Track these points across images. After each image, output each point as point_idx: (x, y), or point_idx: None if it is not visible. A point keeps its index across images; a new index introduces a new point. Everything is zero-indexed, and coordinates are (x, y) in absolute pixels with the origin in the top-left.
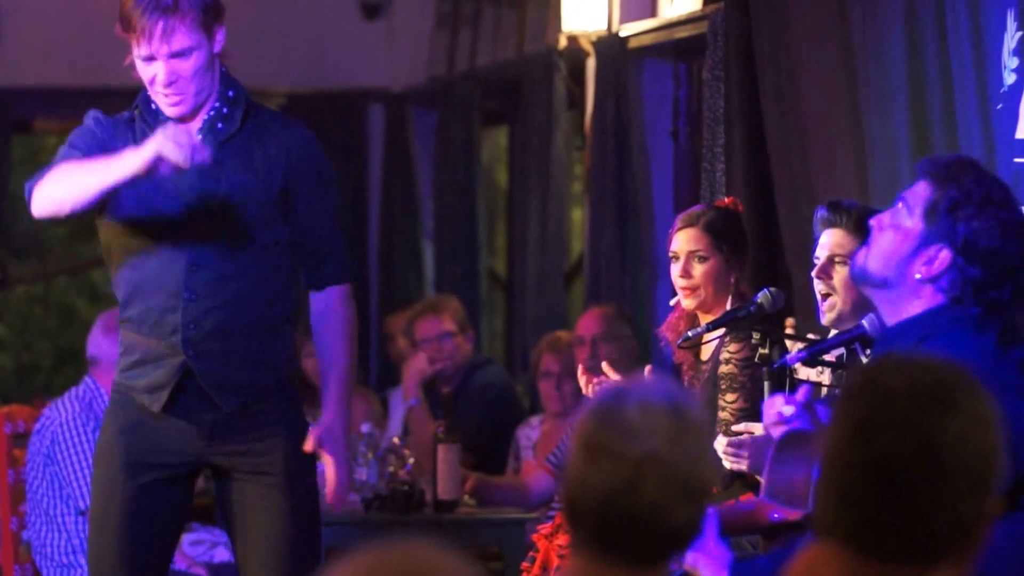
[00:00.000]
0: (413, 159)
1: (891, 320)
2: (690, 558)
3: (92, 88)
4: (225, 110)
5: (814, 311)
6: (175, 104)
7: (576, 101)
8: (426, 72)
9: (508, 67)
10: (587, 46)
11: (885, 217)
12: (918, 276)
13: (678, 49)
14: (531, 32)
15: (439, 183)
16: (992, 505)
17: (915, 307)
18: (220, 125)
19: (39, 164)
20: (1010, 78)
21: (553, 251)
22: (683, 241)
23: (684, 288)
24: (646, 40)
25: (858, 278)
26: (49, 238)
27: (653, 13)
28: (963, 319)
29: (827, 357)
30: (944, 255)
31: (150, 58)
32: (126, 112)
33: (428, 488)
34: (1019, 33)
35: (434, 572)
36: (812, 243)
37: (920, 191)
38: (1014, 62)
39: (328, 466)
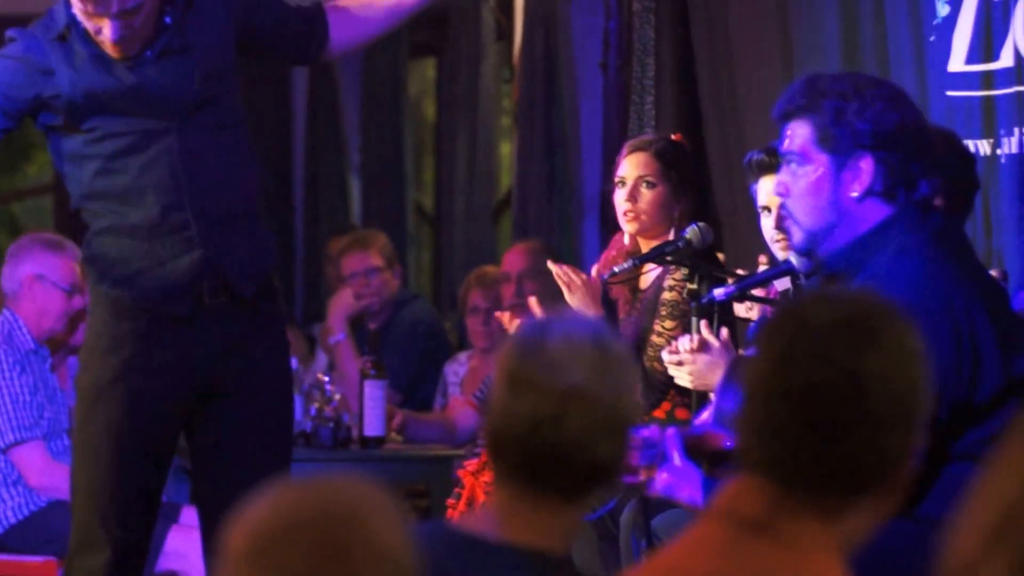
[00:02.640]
0: (339, 92)
1: None
2: (661, 482)
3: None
4: (168, 20)
5: (744, 247)
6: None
7: (505, 32)
8: None
9: None
10: None
11: (782, 186)
12: (854, 194)
13: None
14: None
15: (365, 116)
16: (917, 440)
17: (864, 225)
18: (167, 19)
19: None
20: (943, 10)
21: (481, 185)
22: (632, 166)
23: (628, 212)
24: None
25: (808, 247)
26: None
27: None
28: (916, 228)
29: (757, 292)
30: (865, 161)
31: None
32: (43, 22)
33: (354, 425)
34: None
35: (357, 508)
36: (744, 181)
37: (796, 135)
38: None
39: None
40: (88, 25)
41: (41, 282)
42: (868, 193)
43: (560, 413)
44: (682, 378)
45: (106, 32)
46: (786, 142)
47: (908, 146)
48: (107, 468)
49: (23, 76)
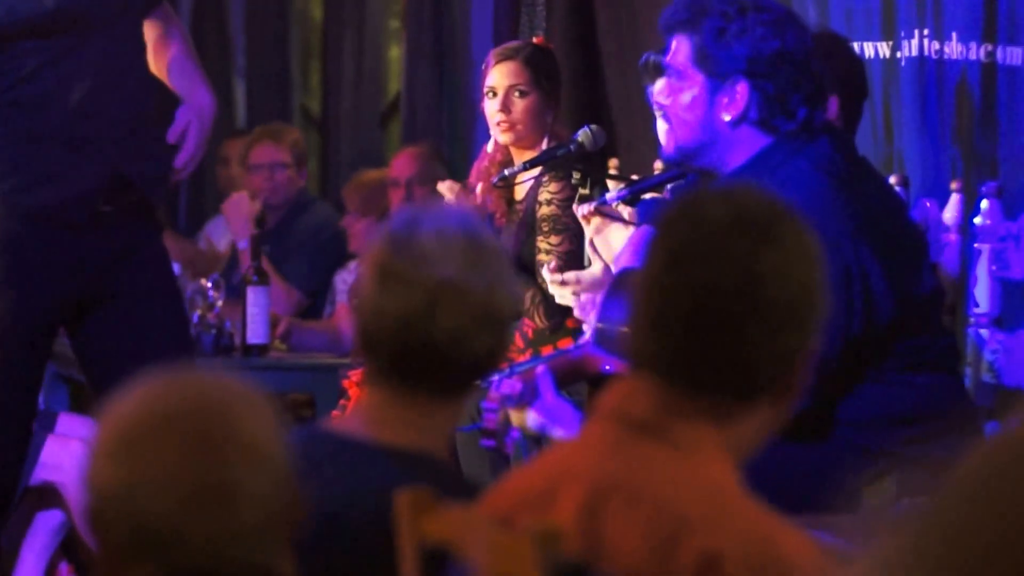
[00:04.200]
0: None
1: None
2: (534, 421)
3: None
4: None
5: (639, 153)
6: None
7: None
8: None
9: None
10: None
11: (661, 98)
12: (727, 118)
13: None
14: None
15: (250, 18)
16: (812, 342)
17: (742, 153)
18: None
19: None
20: None
21: (369, 89)
22: (502, 75)
23: (502, 123)
24: None
25: (677, 161)
26: None
27: None
28: (798, 153)
29: (649, 196)
30: (741, 86)
31: None
32: None
33: (237, 332)
34: None
35: (229, 403)
36: (638, 84)
37: (677, 50)
38: None
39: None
40: None
41: None
42: (743, 119)
43: (431, 307)
44: (565, 297)
45: None
46: (668, 55)
47: (788, 75)
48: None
49: None
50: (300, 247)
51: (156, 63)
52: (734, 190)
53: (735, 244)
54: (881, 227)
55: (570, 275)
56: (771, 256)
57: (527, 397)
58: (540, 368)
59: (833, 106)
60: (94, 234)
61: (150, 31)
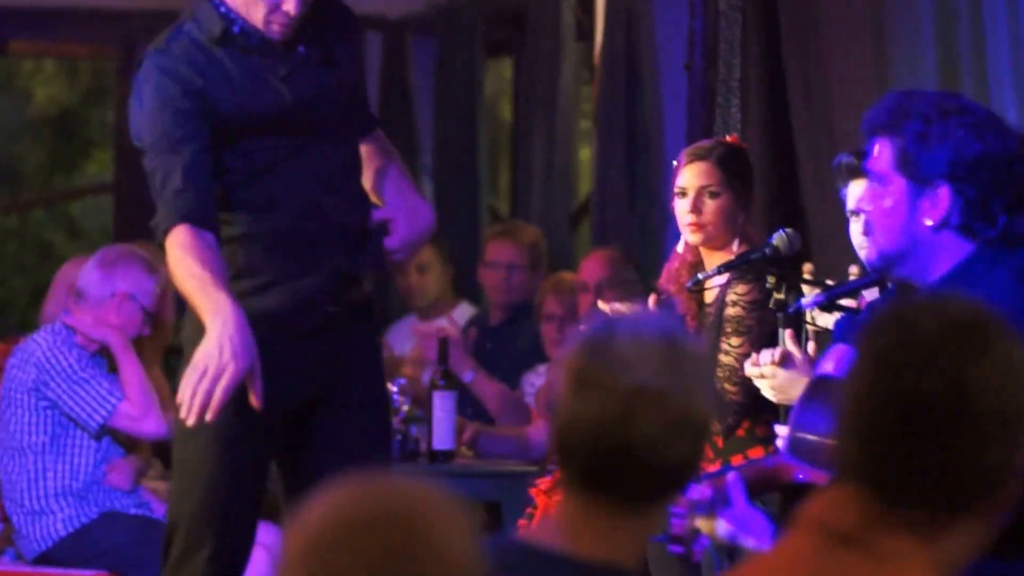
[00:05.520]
0: (411, 91)
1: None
2: (724, 529)
3: (67, 7)
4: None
5: (833, 255)
6: (285, 30)
7: (585, 31)
8: None
9: None
10: None
11: (864, 204)
12: (929, 223)
13: None
14: None
15: (439, 117)
16: (1022, 456)
17: (944, 260)
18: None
19: (15, 89)
20: None
21: (559, 190)
22: (693, 175)
23: (692, 224)
24: None
25: (881, 268)
26: (25, 167)
27: None
28: (999, 263)
29: (845, 303)
30: (943, 190)
31: None
32: (179, 33)
33: (423, 438)
34: None
35: (422, 510)
36: (833, 186)
37: (880, 154)
38: None
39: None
40: (263, 5)
41: (131, 301)
42: (944, 224)
43: (628, 413)
44: (765, 391)
45: (289, 6)
46: (870, 159)
47: (990, 179)
48: (216, 476)
49: (182, 91)
50: (528, 352)
51: (372, 183)
52: (943, 298)
53: (944, 352)
54: None
55: (768, 368)
56: (982, 367)
57: (717, 504)
58: (731, 475)
59: None
60: (319, 339)
61: (366, 151)
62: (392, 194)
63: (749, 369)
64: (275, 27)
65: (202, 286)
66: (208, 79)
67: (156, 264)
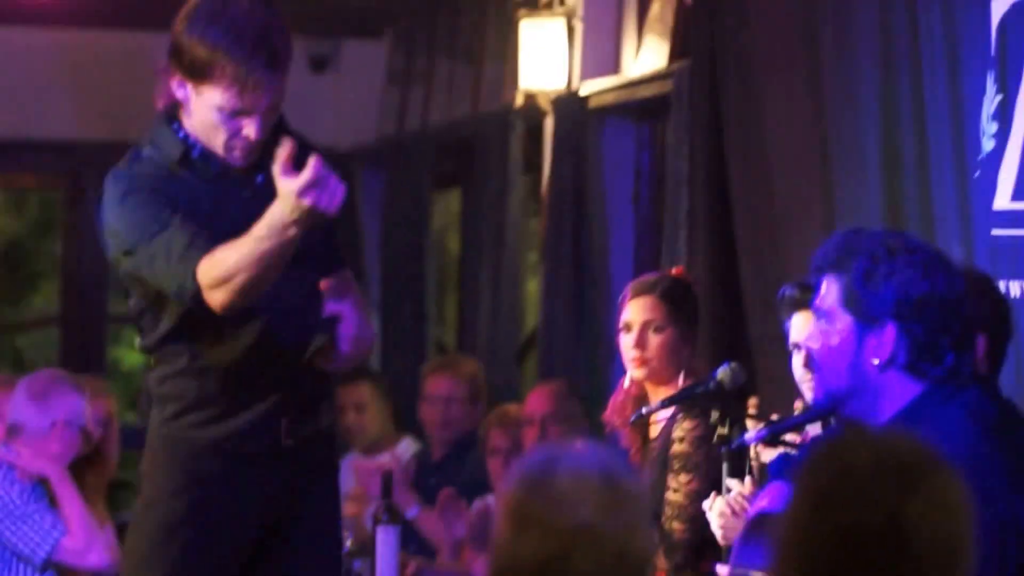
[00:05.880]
0: (359, 223)
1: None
2: None
3: (14, 139)
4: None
5: (778, 388)
6: (246, 155)
7: (533, 163)
8: (375, 130)
9: (462, 126)
10: (545, 105)
11: (812, 340)
12: (876, 362)
13: (641, 109)
14: (487, 90)
15: (387, 249)
16: None
17: (891, 400)
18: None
19: None
20: (989, 144)
21: (506, 322)
22: (637, 310)
23: (636, 359)
24: (607, 99)
25: (828, 405)
26: None
27: (615, 70)
28: (949, 402)
29: (789, 437)
30: (889, 329)
31: (241, 112)
32: (137, 156)
33: (366, 573)
34: (999, 97)
35: None
36: (779, 318)
37: (826, 292)
38: (993, 127)
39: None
40: (224, 130)
41: (70, 427)
42: (890, 363)
43: (567, 552)
44: (716, 532)
45: (250, 131)
46: (817, 297)
47: (937, 318)
48: None
49: (152, 187)
50: (471, 484)
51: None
52: (879, 435)
53: (880, 488)
54: None
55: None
56: (915, 505)
57: None
58: None
59: (981, 347)
60: (271, 467)
61: (327, 285)
62: (343, 299)
63: (711, 512)
64: (236, 152)
65: (249, 237)
66: (172, 195)
67: (96, 390)
